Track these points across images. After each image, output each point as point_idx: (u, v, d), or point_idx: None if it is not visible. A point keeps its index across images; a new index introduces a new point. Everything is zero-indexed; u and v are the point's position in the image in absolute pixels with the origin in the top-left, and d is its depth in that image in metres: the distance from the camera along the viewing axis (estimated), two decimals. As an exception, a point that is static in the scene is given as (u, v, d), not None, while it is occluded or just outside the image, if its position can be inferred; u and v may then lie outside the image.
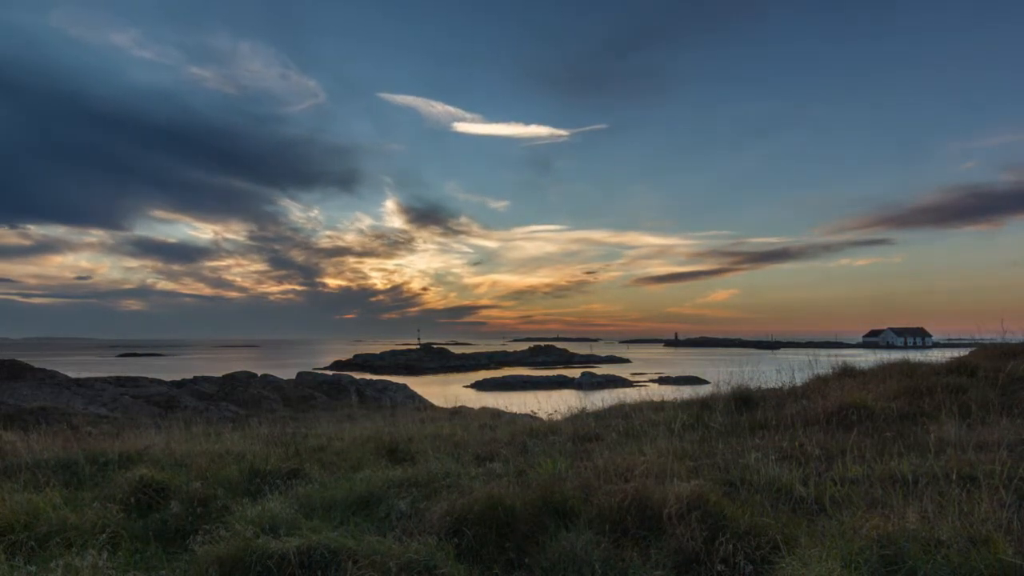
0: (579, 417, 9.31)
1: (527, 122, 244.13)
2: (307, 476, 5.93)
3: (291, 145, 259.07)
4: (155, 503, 5.16)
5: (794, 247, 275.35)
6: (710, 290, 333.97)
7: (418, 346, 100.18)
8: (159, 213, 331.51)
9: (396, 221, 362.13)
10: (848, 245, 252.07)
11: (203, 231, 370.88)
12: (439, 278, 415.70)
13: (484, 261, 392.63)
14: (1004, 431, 5.56)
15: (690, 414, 7.86)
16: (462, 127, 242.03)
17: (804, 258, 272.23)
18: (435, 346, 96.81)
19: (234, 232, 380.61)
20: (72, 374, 31.16)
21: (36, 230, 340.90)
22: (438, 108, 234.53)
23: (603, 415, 9.27)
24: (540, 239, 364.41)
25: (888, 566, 2.94)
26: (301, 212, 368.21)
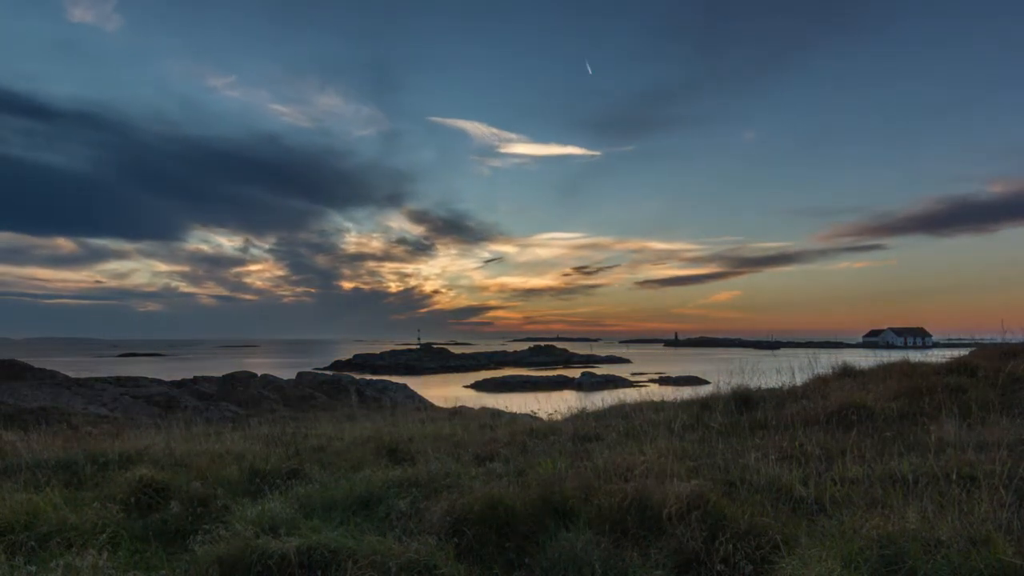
0: (579, 417, 9.31)
1: (564, 143, 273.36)
2: (307, 476, 5.93)
3: (352, 168, 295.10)
4: (155, 503, 5.16)
5: (793, 252, 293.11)
6: (712, 292, 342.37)
7: (418, 346, 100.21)
8: (211, 228, 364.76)
9: (423, 229, 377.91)
10: (845, 250, 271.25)
11: (236, 241, 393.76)
12: (453, 281, 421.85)
13: (498, 265, 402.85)
14: (1004, 431, 5.56)
15: (690, 414, 7.86)
16: (505, 148, 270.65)
17: (803, 261, 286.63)
18: (435, 346, 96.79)
19: (265, 240, 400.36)
20: (72, 374, 31.17)
21: (94, 242, 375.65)
22: (483, 129, 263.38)
23: (603, 415, 9.27)
24: (555, 245, 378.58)
25: (888, 566, 2.94)
26: (334, 222, 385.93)
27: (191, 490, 5.26)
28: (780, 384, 9.57)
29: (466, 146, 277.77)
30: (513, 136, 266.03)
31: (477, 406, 21.02)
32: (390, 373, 60.56)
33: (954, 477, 3.98)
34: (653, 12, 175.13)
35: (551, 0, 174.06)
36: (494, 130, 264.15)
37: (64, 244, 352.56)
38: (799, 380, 9.80)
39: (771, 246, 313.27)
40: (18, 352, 53.99)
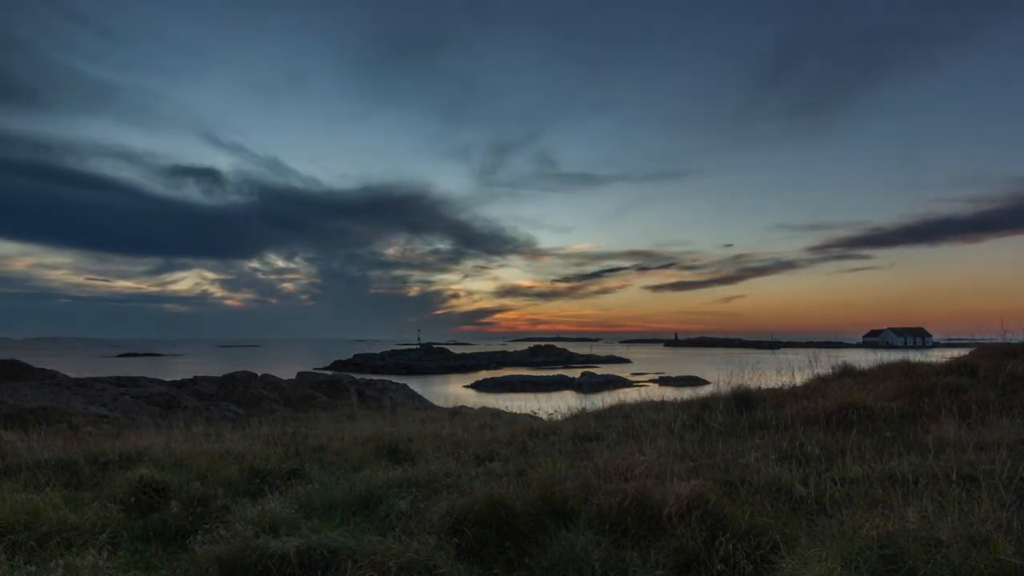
0: (579, 417, 9.31)
1: (611, 181, 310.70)
2: (307, 476, 5.93)
3: (428, 202, 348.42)
4: (155, 503, 5.16)
5: (792, 259, 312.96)
6: (714, 296, 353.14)
7: (418, 346, 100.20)
8: (275, 247, 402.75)
9: (457, 241, 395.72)
10: (841, 258, 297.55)
11: (284, 253, 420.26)
12: (473, 286, 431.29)
13: (515, 270, 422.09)
14: (1004, 431, 5.56)
15: (690, 414, 7.86)
16: (564, 180, 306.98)
17: (802, 268, 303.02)
18: (435, 346, 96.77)
19: (309, 251, 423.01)
20: (73, 374, 31.14)
21: (174, 259, 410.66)
22: (548, 166, 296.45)
23: (603, 415, 9.27)
24: (574, 253, 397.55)
25: (888, 566, 2.94)
26: (379, 236, 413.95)
27: (191, 490, 5.26)
28: (780, 384, 9.56)
29: (534, 176, 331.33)
30: (575, 172, 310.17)
31: (477, 406, 21.01)
32: (390, 373, 60.50)
33: (954, 477, 3.98)
34: (692, 94, 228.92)
35: (630, 82, 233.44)
36: (555, 164, 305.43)
37: (149, 261, 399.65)
38: (799, 380, 9.80)
39: (771, 253, 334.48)
40: (18, 352, 53.91)
